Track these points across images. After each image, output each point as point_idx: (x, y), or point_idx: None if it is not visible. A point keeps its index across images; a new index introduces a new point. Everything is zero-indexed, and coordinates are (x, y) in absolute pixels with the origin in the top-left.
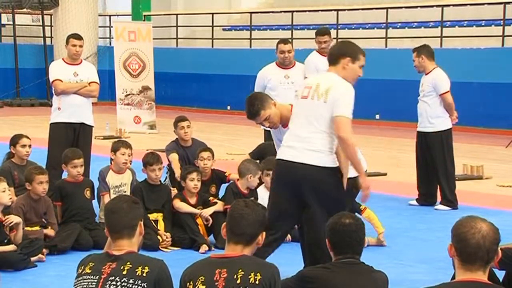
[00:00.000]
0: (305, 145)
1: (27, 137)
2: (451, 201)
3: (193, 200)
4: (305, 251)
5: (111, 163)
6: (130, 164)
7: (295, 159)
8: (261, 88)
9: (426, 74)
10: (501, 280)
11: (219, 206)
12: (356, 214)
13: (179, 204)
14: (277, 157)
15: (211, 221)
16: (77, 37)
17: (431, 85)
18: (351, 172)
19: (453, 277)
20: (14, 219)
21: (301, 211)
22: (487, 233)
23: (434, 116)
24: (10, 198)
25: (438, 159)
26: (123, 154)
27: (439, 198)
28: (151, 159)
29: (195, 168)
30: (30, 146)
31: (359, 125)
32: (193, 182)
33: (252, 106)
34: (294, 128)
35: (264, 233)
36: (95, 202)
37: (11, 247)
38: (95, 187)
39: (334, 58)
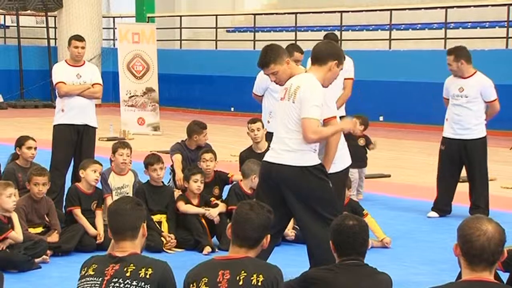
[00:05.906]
0: (281, 146)
1: (33, 139)
2: (487, 205)
3: (195, 201)
4: (307, 251)
5: (111, 164)
6: (130, 164)
7: (273, 160)
8: (262, 90)
9: (465, 78)
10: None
11: (222, 207)
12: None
13: (184, 207)
14: (264, 158)
15: (218, 219)
16: (79, 38)
17: (478, 90)
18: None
19: (458, 276)
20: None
21: (287, 210)
22: (493, 235)
23: (477, 122)
24: (14, 205)
25: (479, 164)
26: (121, 155)
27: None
28: (151, 159)
29: (199, 169)
30: (35, 148)
31: None
32: (197, 184)
33: (265, 56)
34: (275, 129)
35: (269, 236)
36: None
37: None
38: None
39: (322, 58)
